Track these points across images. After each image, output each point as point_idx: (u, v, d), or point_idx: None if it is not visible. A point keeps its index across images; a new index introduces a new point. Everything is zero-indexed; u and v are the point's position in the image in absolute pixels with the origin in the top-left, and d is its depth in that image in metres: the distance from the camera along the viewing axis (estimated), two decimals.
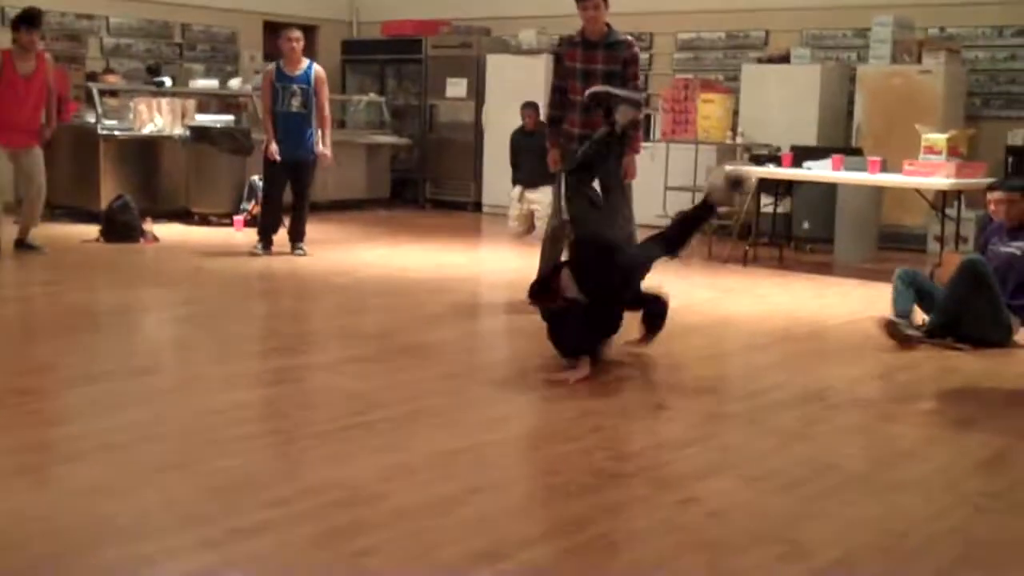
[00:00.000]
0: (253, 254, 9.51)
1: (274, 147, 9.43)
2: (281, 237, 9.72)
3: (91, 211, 11.39)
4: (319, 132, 9.66)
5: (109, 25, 13.85)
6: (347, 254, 10.00)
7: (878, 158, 9.45)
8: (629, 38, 7.30)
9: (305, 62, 9.66)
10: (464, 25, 14.99)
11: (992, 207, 7.06)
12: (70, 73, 13.09)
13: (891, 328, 6.65)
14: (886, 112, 11.35)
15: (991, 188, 7.23)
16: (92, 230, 10.48)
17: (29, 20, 9.02)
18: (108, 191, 11.31)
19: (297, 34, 9.71)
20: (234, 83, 13.74)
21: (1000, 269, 6.77)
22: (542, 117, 11.83)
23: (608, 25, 7.16)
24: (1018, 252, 6.84)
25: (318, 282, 8.58)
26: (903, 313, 6.80)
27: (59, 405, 4.91)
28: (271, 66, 9.83)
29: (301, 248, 9.64)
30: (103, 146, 11.71)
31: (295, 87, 9.52)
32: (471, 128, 14.48)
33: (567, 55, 7.23)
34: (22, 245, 9.21)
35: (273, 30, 15.64)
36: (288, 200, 9.73)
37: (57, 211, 12.16)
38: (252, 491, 3.84)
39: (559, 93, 7.34)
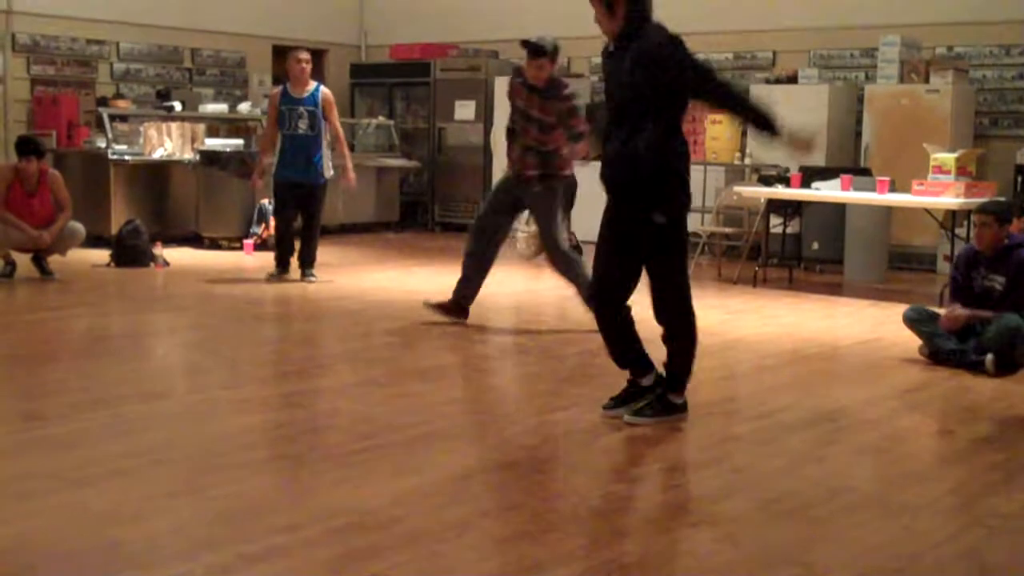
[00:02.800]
0: (269, 279, 9.49)
1: (261, 171, 9.53)
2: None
3: (102, 236, 11.43)
4: (327, 155, 9.60)
5: (119, 50, 13.91)
6: (357, 277, 10.01)
7: (887, 178, 9.45)
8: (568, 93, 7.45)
9: (312, 84, 9.61)
10: (472, 48, 15.03)
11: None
12: (81, 98, 13.17)
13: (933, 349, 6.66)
14: (894, 132, 11.35)
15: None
16: (103, 255, 10.51)
17: (36, 152, 9.14)
18: (119, 216, 11.35)
19: (306, 55, 9.66)
20: (243, 107, 13.79)
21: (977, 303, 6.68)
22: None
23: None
24: (998, 286, 6.66)
25: (328, 306, 8.58)
26: (941, 338, 6.73)
27: (69, 430, 4.91)
28: (277, 88, 9.80)
29: (312, 275, 9.59)
30: (114, 171, 11.76)
31: (302, 109, 9.46)
32: (480, 151, 14.50)
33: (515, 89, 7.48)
34: (40, 263, 9.24)
35: (282, 54, 15.72)
36: (298, 224, 9.71)
37: None
38: (263, 516, 3.83)
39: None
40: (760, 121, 5.57)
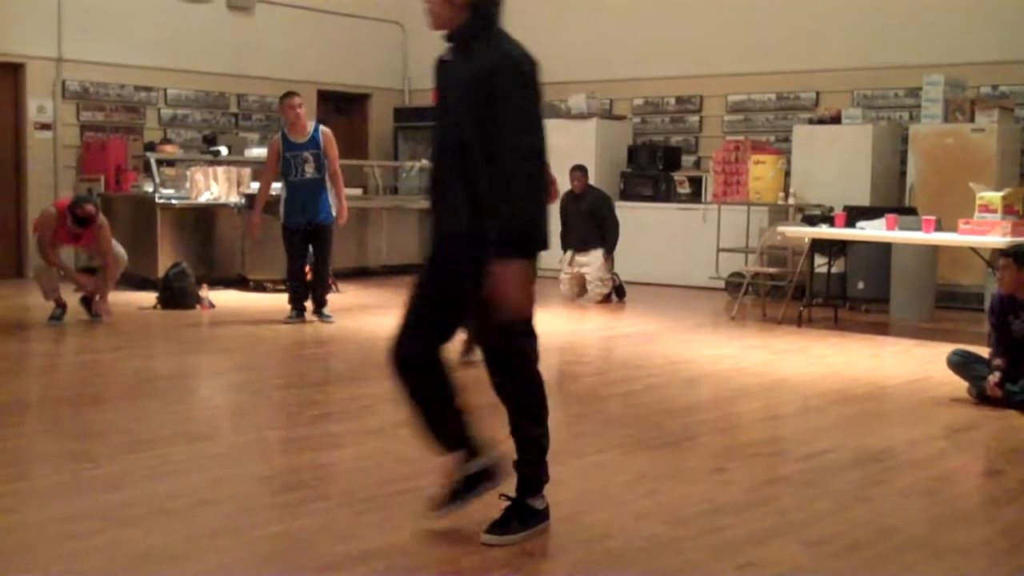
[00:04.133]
0: (287, 322, 9.53)
1: (257, 221, 9.53)
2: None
3: (149, 278, 11.55)
4: (332, 193, 9.56)
5: (167, 96, 14.11)
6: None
7: (932, 217, 9.39)
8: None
9: (311, 125, 9.54)
10: None
11: None
12: (129, 143, 13.36)
13: (980, 391, 6.59)
14: (939, 171, 11.29)
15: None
16: (150, 297, 10.61)
17: (83, 223, 9.14)
18: (165, 259, 11.48)
19: (298, 99, 9.54)
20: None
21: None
22: (590, 180, 11.91)
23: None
24: None
25: (371, 347, 8.60)
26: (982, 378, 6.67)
27: (115, 470, 4.94)
28: (277, 135, 9.71)
29: (327, 315, 9.63)
30: (161, 214, 11.89)
31: (306, 154, 9.38)
32: None
33: None
34: (87, 305, 9.36)
35: (327, 99, 15.92)
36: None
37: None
38: (305, 556, 3.83)
39: None
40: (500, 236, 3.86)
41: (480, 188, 3.84)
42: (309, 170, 9.39)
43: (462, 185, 3.92)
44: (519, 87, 3.78)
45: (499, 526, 4.05)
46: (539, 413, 4.20)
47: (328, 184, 9.50)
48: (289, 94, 9.74)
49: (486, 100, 3.76)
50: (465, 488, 4.14)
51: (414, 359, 4.12)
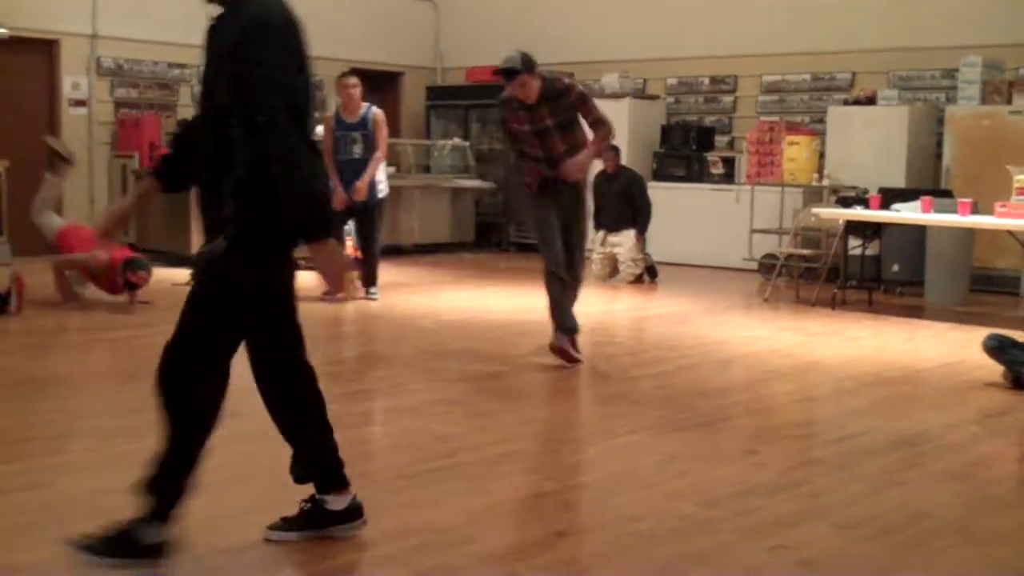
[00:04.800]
0: (324, 297, 9.56)
1: (340, 194, 9.44)
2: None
3: (183, 254, 11.60)
4: (381, 174, 9.64)
5: (200, 73, 14.13)
6: (432, 297, 10.05)
7: (968, 200, 9.29)
8: (566, 83, 7.11)
9: (364, 107, 9.63)
10: (547, 70, 15.03)
11: None
12: (162, 120, 13.41)
13: (1016, 376, 6.54)
14: (976, 153, 11.18)
15: None
16: (184, 273, 10.64)
17: (132, 288, 8.87)
18: (199, 235, 11.50)
19: (354, 80, 9.67)
20: (321, 129, 13.92)
21: None
22: (623, 160, 11.87)
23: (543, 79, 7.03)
24: None
25: (403, 325, 8.62)
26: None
27: (148, 446, 4.96)
28: (329, 113, 9.82)
29: (374, 293, 9.69)
30: (194, 190, 11.91)
31: (355, 134, 9.52)
32: None
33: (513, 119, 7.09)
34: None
35: (360, 77, 15.88)
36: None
37: (149, 255, 12.41)
38: (339, 533, 3.85)
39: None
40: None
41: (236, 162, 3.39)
42: (356, 150, 9.50)
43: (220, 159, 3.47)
44: (265, 47, 3.39)
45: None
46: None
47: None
48: (345, 74, 9.90)
49: (236, 64, 3.38)
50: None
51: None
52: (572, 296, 7.12)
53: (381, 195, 9.69)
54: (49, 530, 3.84)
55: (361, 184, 9.45)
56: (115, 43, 13.31)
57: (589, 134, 7.03)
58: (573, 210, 7.15)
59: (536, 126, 6.99)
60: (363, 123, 9.56)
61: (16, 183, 12.04)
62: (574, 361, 7.00)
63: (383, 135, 9.61)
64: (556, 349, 7.01)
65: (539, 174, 7.14)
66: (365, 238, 9.71)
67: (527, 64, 6.93)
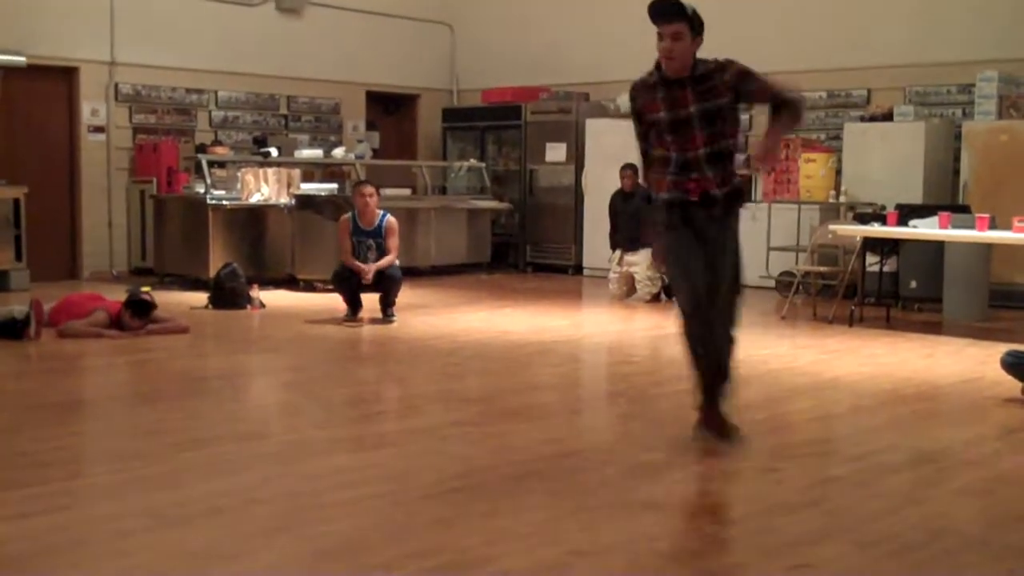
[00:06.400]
0: (344, 322, 9.63)
1: (367, 269, 9.58)
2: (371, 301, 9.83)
3: (200, 279, 11.66)
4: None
5: (218, 98, 14.24)
6: (449, 318, 10.06)
7: (986, 215, 9.27)
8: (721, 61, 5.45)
9: (379, 214, 9.85)
10: (563, 90, 15.10)
11: None
12: (180, 145, 13.50)
13: None
14: (993, 168, 11.15)
15: None
16: (201, 297, 10.71)
17: (143, 307, 8.82)
18: (217, 259, 11.58)
19: (370, 189, 9.91)
20: (338, 152, 14.01)
21: None
22: (640, 180, 11.88)
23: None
24: None
25: (420, 347, 8.63)
26: None
27: (167, 469, 4.99)
28: (348, 215, 9.96)
29: (391, 315, 9.75)
30: (212, 215, 11.99)
31: (371, 241, 9.78)
32: (571, 192, 14.55)
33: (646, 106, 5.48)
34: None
35: (376, 100, 15.99)
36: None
37: (167, 279, 12.48)
38: (357, 555, 3.85)
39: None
40: None
41: None
42: (372, 256, 9.76)
43: None
44: None
45: None
46: None
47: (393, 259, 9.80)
48: (361, 183, 10.19)
49: None
50: None
51: None
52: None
53: (399, 275, 9.92)
54: (69, 553, 3.85)
55: (369, 267, 9.63)
56: (133, 69, 13.41)
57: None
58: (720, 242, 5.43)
59: (675, 113, 5.33)
60: (378, 231, 9.81)
61: (35, 209, 12.13)
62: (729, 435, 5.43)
63: (394, 243, 9.83)
64: (706, 425, 5.47)
65: (666, 186, 5.38)
66: (387, 285, 9.79)
67: (698, 20, 5.32)
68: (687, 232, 5.33)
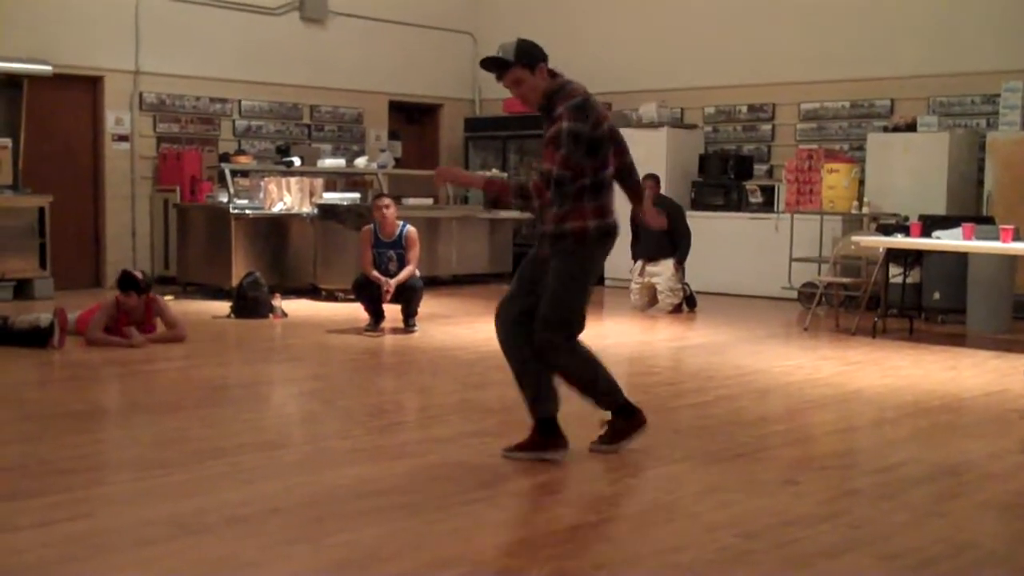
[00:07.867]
0: (366, 331, 9.66)
1: (389, 285, 9.62)
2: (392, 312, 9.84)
3: (223, 288, 11.70)
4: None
5: (241, 108, 14.30)
6: (469, 328, 10.06)
7: (1011, 226, 9.21)
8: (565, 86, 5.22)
9: (399, 225, 9.89)
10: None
11: None
12: (204, 154, 13.57)
13: None
14: (1018, 179, 11.09)
15: None
16: (224, 306, 10.74)
17: (136, 289, 8.78)
18: (239, 268, 11.61)
19: (387, 201, 9.98)
20: (360, 162, 14.04)
21: None
22: (661, 189, 11.87)
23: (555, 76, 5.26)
24: None
25: (441, 357, 8.63)
26: None
27: (189, 478, 5.00)
28: (369, 227, 10.00)
29: (413, 325, 9.77)
30: (235, 224, 12.04)
31: (391, 253, 9.83)
32: None
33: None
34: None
35: (399, 110, 16.03)
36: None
37: (190, 288, 12.53)
38: (377, 564, 3.85)
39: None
40: None
41: None
42: (392, 268, 9.81)
43: None
44: None
45: None
46: None
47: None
48: (379, 196, 10.27)
49: None
50: None
51: None
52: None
53: (420, 283, 9.92)
54: (91, 561, 3.86)
55: (390, 282, 9.64)
56: (157, 79, 13.48)
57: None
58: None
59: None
60: (399, 242, 9.86)
61: (59, 218, 12.21)
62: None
63: (415, 254, 9.87)
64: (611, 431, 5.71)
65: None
66: (408, 298, 9.80)
67: (523, 55, 5.19)
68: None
